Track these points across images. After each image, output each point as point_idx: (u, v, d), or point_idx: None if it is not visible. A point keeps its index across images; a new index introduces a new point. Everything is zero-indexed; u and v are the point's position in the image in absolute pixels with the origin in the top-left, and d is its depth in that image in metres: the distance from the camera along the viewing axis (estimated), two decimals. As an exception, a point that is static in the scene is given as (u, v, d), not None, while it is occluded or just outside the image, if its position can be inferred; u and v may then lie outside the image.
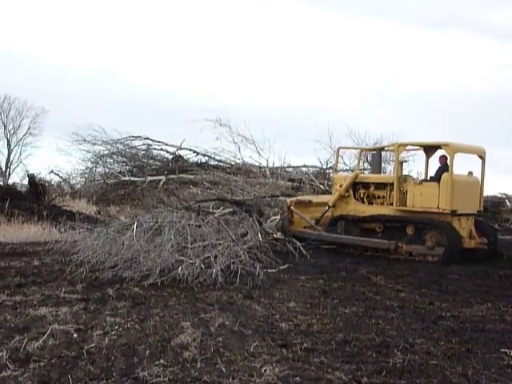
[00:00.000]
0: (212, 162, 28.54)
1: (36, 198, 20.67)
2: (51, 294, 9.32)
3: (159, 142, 29.14)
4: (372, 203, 16.07)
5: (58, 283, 10.12)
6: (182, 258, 10.76)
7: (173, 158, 28.62)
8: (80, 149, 29.51)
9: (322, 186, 24.18)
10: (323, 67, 73.11)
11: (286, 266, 12.42)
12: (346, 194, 16.39)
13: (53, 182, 28.82)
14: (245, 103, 61.48)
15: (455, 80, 68.82)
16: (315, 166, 27.22)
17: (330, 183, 24.16)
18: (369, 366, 6.25)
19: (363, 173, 18.93)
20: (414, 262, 13.78)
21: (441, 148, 15.10)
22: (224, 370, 6.00)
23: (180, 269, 10.40)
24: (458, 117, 58.08)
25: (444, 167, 14.65)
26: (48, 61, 77.19)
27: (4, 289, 9.51)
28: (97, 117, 61.01)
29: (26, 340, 6.73)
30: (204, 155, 28.80)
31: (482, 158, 15.25)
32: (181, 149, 28.70)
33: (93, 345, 6.70)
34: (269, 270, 11.77)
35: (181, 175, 26.56)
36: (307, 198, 17.88)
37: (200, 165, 27.97)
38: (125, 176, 27.32)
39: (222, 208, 15.28)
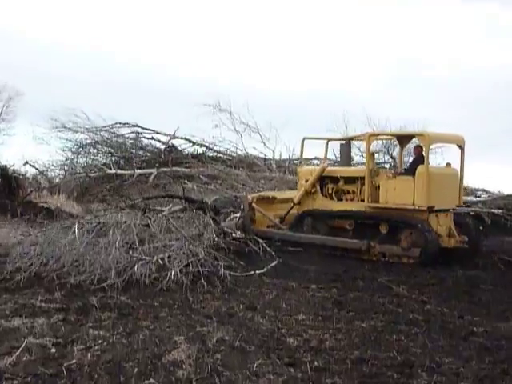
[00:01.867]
0: (210, 154, 28.56)
1: (9, 193, 20.69)
2: (26, 302, 9.33)
3: (150, 129, 29.15)
4: (341, 199, 16.44)
5: (33, 290, 10.14)
6: (136, 255, 11.22)
7: (165, 149, 28.64)
8: (59, 137, 29.51)
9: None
10: (339, 47, 72.76)
11: (274, 263, 12.72)
12: (313, 190, 16.79)
13: (28, 175, 28.79)
14: (248, 86, 61.18)
15: (489, 63, 68.54)
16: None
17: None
18: (389, 388, 6.27)
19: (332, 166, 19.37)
20: (443, 270, 13.74)
21: (415, 137, 15.65)
22: (223, 391, 6.03)
23: (136, 267, 10.80)
24: (492, 103, 57.85)
25: (419, 159, 14.96)
26: (24, 36, 77.13)
27: (-28, 297, 9.54)
28: (79, 101, 60.48)
29: (-3, 355, 6.76)
30: (201, 145, 28.82)
31: (461, 147, 15.59)
32: (174, 138, 28.70)
33: (73, 361, 6.72)
34: (257, 272, 12.01)
35: (174, 168, 26.59)
36: (271, 193, 18.30)
37: (196, 156, 27.99)
38: (110, 169, 27.31)
39: (171, 205, 15.44)
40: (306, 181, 16.85)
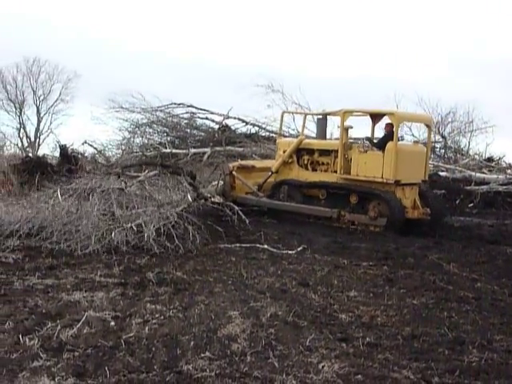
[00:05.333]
0: (263, 133, 28.43)
1: (68, 171, 20.91)
2: (86, 277, 9.46)
3: (204, 109, 29.07)
4: (316, 170, 17.34)
5: (92, 265, 10.25)
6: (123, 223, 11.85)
7: (219, 128, 28.56)
8: (116, 117, 29.57)
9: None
10: (390, 30, 72.05)
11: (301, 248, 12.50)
12: (290, 160, 17.64)
13: (86, 154, 29.00)
14: (300, 69, 61.07)
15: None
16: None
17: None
18: (440, 364, 6.23)
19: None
20: (492, 248, 13.57)
21: (387, 116, 16.40)
22: (277, 364, 6.05)
23: (113, 234, 11.37)
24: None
25: (389, 135, 15.69)
26: (81, 20, 77.83)
27: (35, 271, 9.69)
28: (135, 81, 61.26)
29: (58, 327, 6.87)
30: (254, 125, 28.70)
31: (429, 126, 17.11)
32: (228, 118, 28.61)
33: (132, 334, 6.81)
34: (289, 252, 11.98)
35: (228, 147, 26.48)
36: (250, 162, 19.16)
37: (249, 136, 27.88)
38: (166, 148, 27.24)
39: (146, 171, 15.81)
40: (284, 151, 17.65)
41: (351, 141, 17.53)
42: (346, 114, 16.45)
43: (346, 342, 6.83)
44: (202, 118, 29.31)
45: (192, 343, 6.55)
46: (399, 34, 72.63)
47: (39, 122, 60.17)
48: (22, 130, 58.73)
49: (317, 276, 10.14)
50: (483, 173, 22.99)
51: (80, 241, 11.17)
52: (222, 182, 17.84)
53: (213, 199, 15.90)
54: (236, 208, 14.93)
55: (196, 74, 62.52)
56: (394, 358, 6.35)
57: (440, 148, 28.39)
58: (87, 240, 11.21)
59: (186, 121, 29.44)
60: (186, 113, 29.34)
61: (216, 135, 27.93)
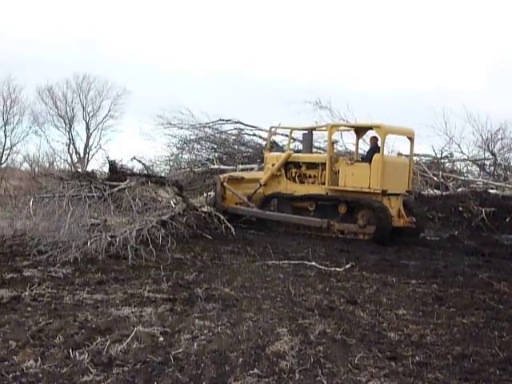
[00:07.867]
0: (310, 150, 28.40)
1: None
2: (134, 292, 9.53)
3: (252, 126, 29.16)
4: (303, 182, 18.52)
5: (141, 281, 10.36)
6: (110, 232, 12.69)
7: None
8: (165, 133, 29.88)
9: (435, 178, 23.74)
10: (438, 45, 71.64)
11: (349, 265, 12.60)
12: (278, 173, 18.84)
13: (135, 170, 29.30)
14: (348, 85, 61.07)
15: None
16: (428, 155, 26.72)
17: (444, 174, 23.85)
18: (491, 384, 6.15)
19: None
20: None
21: (372, 129, 17.13)
22: (325, 382, 6.02)
23: (89, 243, 11.97)
24: None
25: (375, 148, 16.89)
26: (129, 36, 78.79)
27: (84, 286, 9.80)
28: (184, 98, 61.96)
29: (108, 342, 6.90)
30: (301, 142, 28.66)
31: (411, 139, 17.63)
32: (275, 134, 28.65)
33: (180, 350, 6.81)
34: (337, 269, 12.02)
35: (275, 164, 26.51)
36: (240, 174, 20.19)
37: (297, 152, 27.85)
38: (213, 164, 27.38)
39: (128, 180, 16.14)
40: (273, 165, 18.65)
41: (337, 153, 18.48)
42: (332, 128, 17.71)
43: (395, 360, 6.77)
44: (249, 135, 29.48)
45: (240, 360, 6.55)
46: (447, 48, 72.24)
47: (88, 137, 61.06)
48: (71, 146, 59.78)
49: (365, 294, 10.10)
50: (534, 190, 22.70)
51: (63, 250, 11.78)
52: (213, 193, 18.86)
53: (203, 209, 16.60)
54: (222, 217, 15.80)
55: (244, 90, 62.91)
56: (443, 378, 6.27)
57: (490, 165, 28.11)
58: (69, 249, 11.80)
59: (233, 137, 29.60)
60: (234, 129, 29.53)
61: (263, 151, 27.97)
